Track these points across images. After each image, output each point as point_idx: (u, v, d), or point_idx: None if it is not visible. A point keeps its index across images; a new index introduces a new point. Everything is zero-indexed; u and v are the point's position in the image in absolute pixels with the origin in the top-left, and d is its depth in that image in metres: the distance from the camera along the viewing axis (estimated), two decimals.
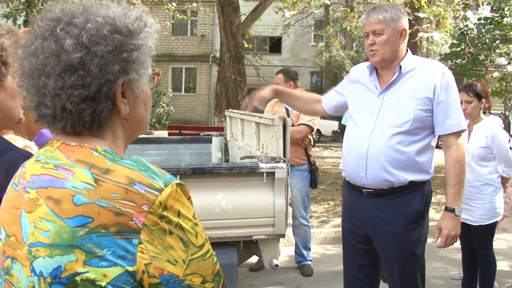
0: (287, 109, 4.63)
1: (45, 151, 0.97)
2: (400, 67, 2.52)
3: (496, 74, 10.13)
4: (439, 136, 2.55)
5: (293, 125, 4.54)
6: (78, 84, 0.89)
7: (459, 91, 3.12)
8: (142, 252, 0.85)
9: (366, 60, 2.70)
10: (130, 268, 0.84)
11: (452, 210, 2.47)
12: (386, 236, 2.54)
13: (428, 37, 8.24)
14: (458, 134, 2.51)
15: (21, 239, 0.89)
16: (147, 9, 1.01)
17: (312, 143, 4.76)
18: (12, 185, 0.99)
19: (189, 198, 0.93)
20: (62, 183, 0.88)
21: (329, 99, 2.96)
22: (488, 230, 3.82)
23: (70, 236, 0.84)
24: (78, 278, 0.84)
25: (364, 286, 2.73)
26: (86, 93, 0.89)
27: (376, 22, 2.48)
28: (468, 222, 3.81)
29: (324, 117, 14.03)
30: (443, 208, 2.54)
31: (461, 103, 3.62)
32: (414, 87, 2.49)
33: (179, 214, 0.89)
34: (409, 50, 2.61)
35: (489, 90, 4.13)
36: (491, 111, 4.06)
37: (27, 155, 1.29)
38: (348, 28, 8.45)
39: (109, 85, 0.91)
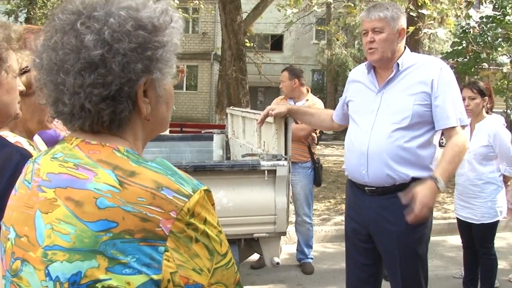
0: None
1: (63, 148, 0.91)
2: (398, 64, 2.51)
3: (499, 73, 10.12)
4: (442, 134, 2.53)
5: (296, 123, 4.55)
6: (98, 83, 0.84)
7: (463, 88, 3.07)
8: (168, 260, 0.81)
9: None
10: (155, 277, 0.80)
11: (435, 180, 2.35)
12: (388, 235, 2.53)
13: (430, 34, 8.23)
14: (459, 128, 2.47)
15: (35, 240, 0.85)
16: (172, 2, 0.95)
17: (315, 141, 4.76)
18: (23, 182, 0.93)
19: (213, 205, 0.89)
20: (83, 184, 0.83)
21: (337, 110, 2.96)
22: (490, 229, 3.82)
23: (92, 241, 0.80)
24: (99, 285, 0.79)
25: (367, 286, 2.72)
26: (106, 93, 0.85)
27: (377, 19, 2.48)
28: (469, 221, 3.81)
29: None
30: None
31: (464, 99, 3.62)
32: (412, 83, 2.48)
33: (205, 221, 0.85)
34: (407, 47, 2.61)
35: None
36: (493, 110, 4.05)
37: (22, 152, 1.28)
38: (351, 24, 8.42)
39: (131, 84, 0.86)
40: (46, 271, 0.82)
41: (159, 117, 0.97)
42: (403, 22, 2.53)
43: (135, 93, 0.88)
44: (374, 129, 2.50)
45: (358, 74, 2.75)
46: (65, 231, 0.82)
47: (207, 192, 0.88)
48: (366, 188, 2.57)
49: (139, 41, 0.86)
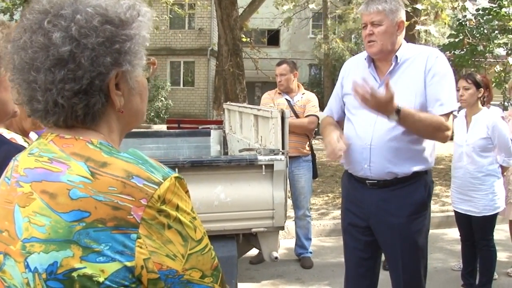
0: (288, 100, 4.62)
1: (39, 144, 0.94)
2: (396, 57, 2.51)
3: (498, 68, 10.12)
4: None
5: (298, 117, 4.55)
6: (69, 78, 0.86)
7: (459, 79, 3.05)
8: (141, 247, 0.83)
9: None
10: (128, 264, 0.83)
11: (398, 107, 2.28)
12: (390, 227, 2.53)
13: (426, 29, 8.23)
14: (448, 115, 2.46)
15: (14, 234, 0.87)
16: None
17: (313, 134, 4.80)
18: (4, 179, 0.96)
19: (187, 192, 0.91)
20: (57, 176, 0.86)
21: (334, 109, 2.79)
22: (490, 221, 3.83)
23: (66, 231, 0.82)
24: (74, 274, 0.82)
25: (364, 280, 2.72)
26: (77, 87, 0.87)
27: (375, 12, 2.46)
28: (470, 213, 3.81)
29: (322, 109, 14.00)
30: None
31: (458, 89, 3.64)
32: (411, 76, 2.48)
33: (177, 208, 0.87)
34: (404, 40, 2.59)
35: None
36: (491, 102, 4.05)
37: (21, 149, 1.28)
38: (349, 27, 8.42)
39: (102, 77, 0.89)
40: (26, 263, 0.85)
41: (133, 109, 0.99)
42: (402, 14, 2.52)
43: (107, 86, 0.91)
44: (377, 123, 2.48)
45: (356, 66, 2.71)
46: (41, 223, 0.84)
47: (179, 179, 0.90)
48: (367, 181, 2.56)
49: (106, 35, 0.88)
